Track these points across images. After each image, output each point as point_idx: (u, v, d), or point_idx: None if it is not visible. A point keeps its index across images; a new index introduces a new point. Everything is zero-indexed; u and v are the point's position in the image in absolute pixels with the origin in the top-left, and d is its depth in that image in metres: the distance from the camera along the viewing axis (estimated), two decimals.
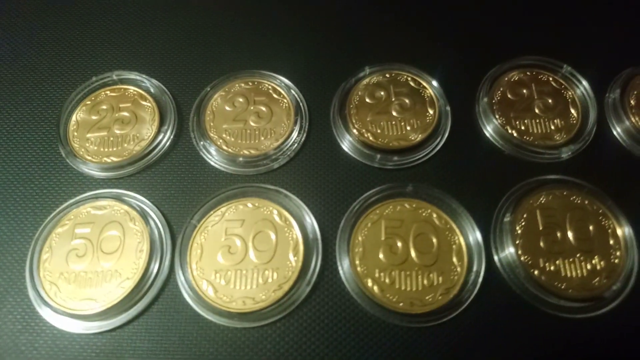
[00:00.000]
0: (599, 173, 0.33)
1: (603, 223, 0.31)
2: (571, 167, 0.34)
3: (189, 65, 0.38)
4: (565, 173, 0.33)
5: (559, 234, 0.31)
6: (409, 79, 0.36)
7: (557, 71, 0.36)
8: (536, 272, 0.30)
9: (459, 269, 0.30)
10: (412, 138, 0.34)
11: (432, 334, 0.29)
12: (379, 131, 0.34)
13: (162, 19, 0.41)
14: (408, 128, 0.34)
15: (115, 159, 0.34)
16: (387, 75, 0.36)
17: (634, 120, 0.35)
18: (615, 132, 0.35)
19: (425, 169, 0.34)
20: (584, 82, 0.36)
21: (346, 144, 0.35)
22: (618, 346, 0.29)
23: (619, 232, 0.31)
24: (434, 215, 0.32)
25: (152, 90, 0.37)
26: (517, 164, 0.34)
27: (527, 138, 0.34)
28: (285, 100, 0.36)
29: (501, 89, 0.36)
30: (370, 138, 0.34)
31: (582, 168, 0.34)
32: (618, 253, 0.31)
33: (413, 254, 0.31)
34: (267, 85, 0.36)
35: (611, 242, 0.31)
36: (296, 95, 0.36)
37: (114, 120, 0.36)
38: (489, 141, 0.35)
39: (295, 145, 0.35)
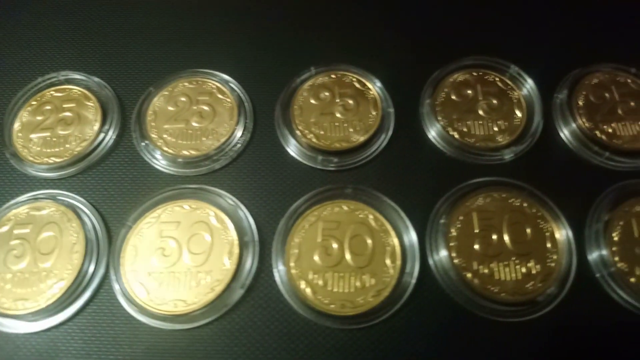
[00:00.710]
0: (542, 175, 0.33)
1: (541, 226, 0.31)
2: (514, 169, 0.34)
3: (135, 64, 0.38)
4: (507, 175, 0.33)
5: (494, 237, 0.31)
6: (354, 80, 0.36)
7: (505, 71, 0.36)
8: (469, 275, 0.30)
9: (391, 271, 0.30)
10: (354, 140, 0.34)
11: (364, 336, 0.29)
12: (322, 132, 0.34)
13: (108, 19, 0.41)
14: (351, 130, 0.34)
15: (56, 160, 0.35)
16: (333, 76, 0.36)
17: (580, 122, 0.35)
18: (561, 134, 0.35)
19: (367, 171, 0.34)
20: (531, 83, 0.36)
21: (289, 145, 0.35)
22: (551, 351, 0.29)
23: (557, 235, 0.31)
24: (371, 217, 0.32)
25: (96, 90, 0.37)
26: (459, 166, 0.34)
27: (469, 140, 0.34)
28: (228, 100, 0.36)
29: (445, 90, 0.36)
30: (314, 139, 0.34)
31: (524, 170, 0.34)
32: (555, 257, 0.30)
33: (347, 255, 0.31)
34: (210, 84, 0.37)
35: (548, 245, 0.31)
36: (241, 94, 0.36)
37: (58, 120, 0.36)
38: (431, 143, 0.35)
39: (238, 145, 0.35)
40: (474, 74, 0.36)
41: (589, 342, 0.29)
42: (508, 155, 0.34)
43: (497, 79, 0.36)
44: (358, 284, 0.30)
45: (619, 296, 0.30)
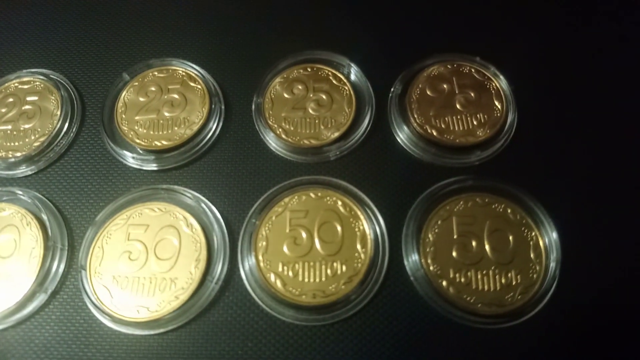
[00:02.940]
0: (365, 173, 0.32)
1: (352, 225, 0.30)
2: (340, 167, 0.33)
3: None
4: (332, 173, 0.32)
5: (304, 236, 0.30)
6: (184, 75, 0.35)
7: (341, 67, 0.35)
8: (272, 278, 0.29)
9: (194, 275, 0.29)
10: (177, 137, 0.33)
11: (164, 341, 0.29)
12: (144, 130, 0.33)
13: None
14: (175, 127, 0.33)
15: None
16: (164, 73, 0.35)
17: (411, 117, 0.33)
18: (393, 130, 0.34)
19: (192, 170, 0.33)
20: (362, 77, 0.34)
21: (113, 144, 0.34)
22: (353, 355, 0.28)
23: (368, 234, 0.30)
24: (181, 220, 0.31)
25: None
26: (286, 165, 0.33)
27: (294, 138, 0.33)
28: (52, 97, 0.35)
29: (277, 88, 0.34)
30: (136, 139, 0.33)
31: (350, 168, 0.33)
32: (363, 256, 0.29)
33: (152, 260, 0.30)
34: (39, 83, 0.36)
35: (358, 246, 0.30)
36: (72, 91, 0.36)
37: None
38: (260, 141, 0.34)
39: (62, 144, 0.34)
40: (309, 69, 0.35)
41: (394, 346, 0.28)
42: (333, 153, 0.33)
43: (330, 74, 0.35)
44: (158, 289, 0.29)
45: (431, 299, 0.29)
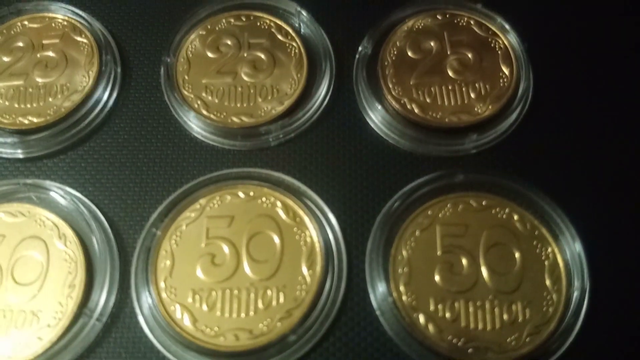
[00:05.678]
0: (319, 165, 0.31)
1: (297, 237, 0.29)
2: (282, 157, 0.32)
3: None
4: (272, 165, 0.31)
5: (227, 253, 0.28)
6: (66, 24, 0.34)
7: (288, 15, 0.34)
8: (178, 311, 0.27)
9: (66, 307, 0.27)
10: (52, 112, 0.32)
11: None
12: (5, 103, 0.32)
13: None
14: (50, 99, 0.32)
15: None
16: (39, 22, 0.34)
17: (385, 86, 0.32)
18: (359, 105, 0.33)
19: (71, 158, 0.32)
20: (318, 30, 0.33)
21: None
22: None
23: (318, 249, 0.28)
24: (51, 228, 0.29)
25: None
26: (208, 153, 0.32)
27: (219, 114, 0.31)
28: None
29: (196, 43, 0.33)
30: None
31: (294, 156, 0.32)
32: (309, 280, 0.28)
33: (9, 285, 0.28)
34: None
35: (304, 266, 0.28)
36: None
37: None
38: (171, 118, 0.32)
39: None
40: (243, 19, 0.34)
41: None
42: (274, 136, 0.31)
43: (273, 26, 0.34)
44: (14, 328, 0.27)
45: (403, 341, 0.27)
